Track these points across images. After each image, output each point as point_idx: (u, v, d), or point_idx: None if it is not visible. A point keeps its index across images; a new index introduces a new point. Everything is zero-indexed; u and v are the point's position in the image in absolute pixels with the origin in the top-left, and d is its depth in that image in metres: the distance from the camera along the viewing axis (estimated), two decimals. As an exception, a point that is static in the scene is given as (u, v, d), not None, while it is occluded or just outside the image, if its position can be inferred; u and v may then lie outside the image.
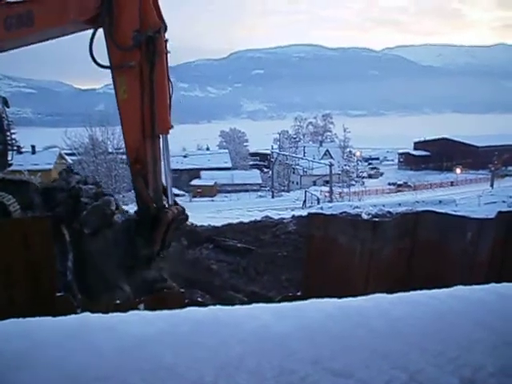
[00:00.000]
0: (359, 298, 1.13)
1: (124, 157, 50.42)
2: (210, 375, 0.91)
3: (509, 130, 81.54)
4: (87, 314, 1.08)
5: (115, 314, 1.07)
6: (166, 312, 1.06)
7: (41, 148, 57.32)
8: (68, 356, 0.95)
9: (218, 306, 1.07)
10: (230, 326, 0.98)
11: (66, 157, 52.52)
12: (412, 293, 1.16)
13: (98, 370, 0.92)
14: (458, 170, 67.17)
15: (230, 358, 0.93)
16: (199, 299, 6.74)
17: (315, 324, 1.01)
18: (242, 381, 0.90)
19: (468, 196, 32.91)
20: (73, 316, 1.10)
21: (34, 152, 50.78)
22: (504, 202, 24.74)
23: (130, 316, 1.06)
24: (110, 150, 49.36)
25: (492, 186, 49.25)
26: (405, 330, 1.03)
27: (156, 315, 1.05)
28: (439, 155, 78.72)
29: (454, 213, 6.33)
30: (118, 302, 6.32)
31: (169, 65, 6.93)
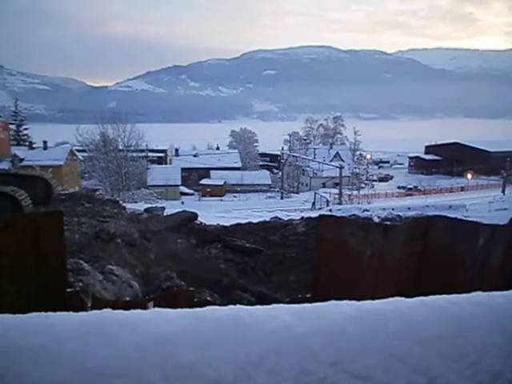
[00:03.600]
0: (378, 300, 1.13)
1: (135, 154, 50.85)
2: (229, 374, 0.92)
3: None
4: (108, 310, 1.09)
5: (136, 311, 1.08)
6: (186, 310, 1.07)
7: (52, 144, 57.84)
8: (88, 352, 0.96)
9: (239, 306, 1.07)
10: (251, 326, 0.99)
11: (77, 153, 52.93)
12: (431, 297, 1.16)
13: (118, 367, 0.93)
14: (469, 175, 66.67)
15: (250, 357, 0.94)
16: (208, 298, 6.77)
17: (334, 326, 1.01)
18: (261, 380, 0.91)
19: (478, 202, 32.63)
20: (93, 312, 1.11)
21: (45, 148, 51.21)
22: (515, 208, 24.48)
23: (150, 314, 1.07)
24: (120, 148, 49.67)
25: (503, 192, 48.75)
26: (424, 333, 1.03)
27: (175, 313, 1.06)
28: (450, 160, 78.22)
29: (464, 218, 6.29)
30: (127, 299, 6.37)
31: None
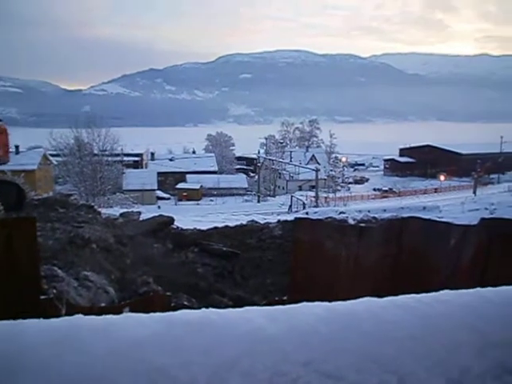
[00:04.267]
0: (349, 301, 1.15)
1: (110, 158, 50.28)
2: (202, 377, 0.92)
3: (491, 139, 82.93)
4: (79, 316, 1.08)
5: (108, 316, 1.07)
6: (158, 314, 1.07)
7: (25, 148, 56.72)
8: (60, 358, 0.95)
9: (211, 309, 1.08)
10: (223, 329, 0.99)
11: (51, 158, 52.02)
12: (401, 296, 1.19)
13: (91, 372, 0.92)
14: (442, 177, 68.01)
15: (223, 360, 0.94)
16: (185, 303, 6.72)
17: (307, 326, 1.03)
18: (235, 383, 0.91)
19: (451, 203, 33.29)
20: (65, 318, 1.10)
21: (17, 152, 50.14)
22: (486, 208, 25.09)
23: (122, 318, 1.06)
24: (95, 152, 49.06)
25: (475, 193, 49.93)
26: (394, 332, 1.05)
27: (149, 317, 1.06)
28: (424, 162, 79.68)
29: (438, 219, 6.41)
30: (102, 305, 6.28)
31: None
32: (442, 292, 1.25)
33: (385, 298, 1.16)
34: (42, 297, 3.75)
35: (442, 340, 1.05)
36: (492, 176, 69.62)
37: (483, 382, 1.02)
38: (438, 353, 1.03)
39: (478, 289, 1.31)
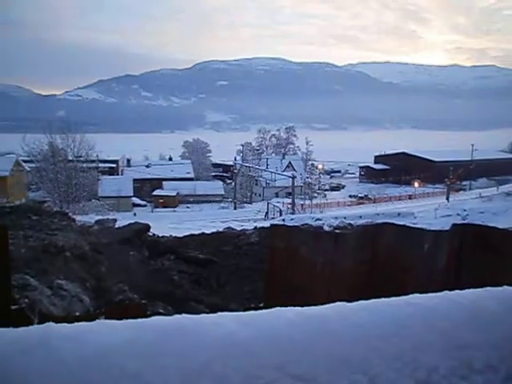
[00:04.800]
0: (321, 306, 1.17)
1: (85, 165, 49.57)
2: (175, 382, 0.92)
3: (462, 146, 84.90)
4: (50, 324, 1.06)
5: (79, 323, 1.06)
6: (130, 321, 1.06)
7: (-5, 155, 55.48)
8: (31, 367, 0.93)
9: (184, 315, 1.08)
10: (196, 334, 1.00)
11: (24, 164, 50.99)
12: (372, 300, 1.21)
13: (63, 381, 0.92)
14: (416, 184, 69.23)
15: (196, 365, 0.94)
16: (161, 311, 6.66)
17: (278, 331, 1.04)
18: (208, 387, 0.92)
19: (425, 209, 33.88)
20: (35, 326, 1.08)
21: (-12, 159, 49.03)
22: (458, 214, 25.66)
23: (94, 325, 1.05)
24: (70, 158, 48.30)
25: (448, 199, 50.98)
26: (364, 335, 1.07)
27: (121, 324, 1.05)
28: (398, 169, 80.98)
29: (412, 225, 6.52)
30: (77, 314, 6.17)
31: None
32: (411, 295, 1.28)
33: (355, 302, 1.19)
34: (13, 307, 3.67)
35: (411, 341, 1.08)
36: (464, 182, 71.22)
37: (450, 382, 1.06)
38: (406, 354, 1.06)
39: (447, 292, 1.35)
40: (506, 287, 1.49)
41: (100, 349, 0.97)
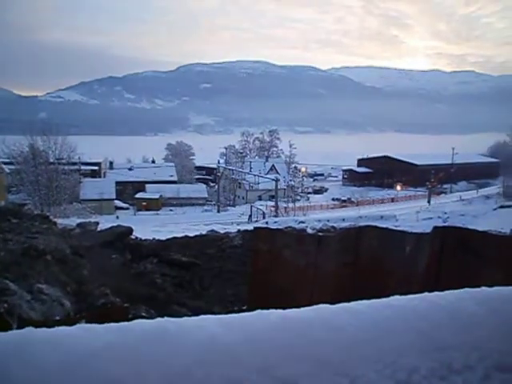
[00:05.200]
0: (303, 308, 1.18)
1: (66, 167, 48.95)
2: (158, 387, 0.92)
3: (443, 150, 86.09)
4: (30, 328, 1.05)
5: (60, 328, 1.04)
6: (112, 325, 1.05)
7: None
8: (9, 373, 0.92)
9: (166, 318, 1.07)
10: (178, 338, 0.99)
11: (3, 166, 50.12)
12: (352, 303, 1.22)
13: None
14: (398, 187, 69.99)
15: (179, 369, 0.94)
16: (143, 314, 6.60)
17: (260, 334, 1.04)
18: (190, 391, 0.92)
19: (407, 212, 34.30)
20: (14, 331, 1.07)
21: (-34, 161, 48.12)
22: (439, 217, 26.11)
23: (75, 330, 1.04)
24: (51, 160, 47.65)
25: (429, 202, 51.69)
26: (346, 337, 1.08)
27: (103, 328, 1.04)
28: (381, 172, 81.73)
29: (394, 228, 6.58)
30: (57, 318, 6.09)
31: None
32: (391, 298, 1.30)
33: (337, 305, 1.20)
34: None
35: (391, 343, 1.09)
36: (445, 186, 72.23)
37: (430, 383, 1.07)
38: (387, 355, 1.07)
39: (426, 293, 1.37)
40: (484, 288, 1.51)
41: (82, 353, 0.96)
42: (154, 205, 58.31)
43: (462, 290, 1.44)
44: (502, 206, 37.10)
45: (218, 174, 67.18)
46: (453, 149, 76.55)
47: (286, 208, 52.49)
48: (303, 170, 75.73)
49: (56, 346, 0.99)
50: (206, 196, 65.91)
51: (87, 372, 0.93)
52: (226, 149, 77.93)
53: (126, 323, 1.05)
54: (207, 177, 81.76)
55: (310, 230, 10.52)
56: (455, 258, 4.96)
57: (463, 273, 4.68)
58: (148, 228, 18.71)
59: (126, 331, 1.01)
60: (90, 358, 0.96)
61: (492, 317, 1.33)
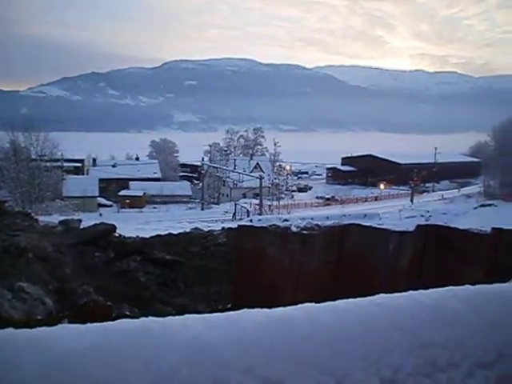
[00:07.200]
0: (288, 307, 1.17)
1: (49, 164, 48.30)
2: (142, 388, 0.90)
3: (426, 149, 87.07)
4: (10, 329, 1.02)
5: (42, 328, 1.02)
6: (95, 325, 1.04)
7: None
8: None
9: (150, 318, 1.06)
10: (163, 337, 0.98)
11: (-17, 162, 49.24)
12: (338, 301, 1.22)
13: None
14: (382, 186, 70.62)
15: (164, 369, 0.93)
16: (127, 313, 6.56)
17: (246, 333, 1.04)
18: (175, 391, 0.91)
19: (391, 210, 34.64)
20: (-7, 332, 1.04)
21: None
22: (422, 215, 26.44)
23: (58, 329, 1.02)
24: (33, 157, 46.99)
25: (412, 200, 52.30)
26: (331, 336, 1.08)
27: (86, 328, 1.02)
28: (365, 171, 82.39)
29: (377, 226, 6.63)
30: (39, 317, 6.01)
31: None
32: (377, 296, 1.31)
33: (322, 303, 1.20)
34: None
35: (376, 341, 1.10)
36: (427, 185, 73.07)
37: (415, 380, 1.08)
38: (372, 353, 1.07)
39: (411, 292, 1.38)
40: (467, 286, 1.53)
41: (64, 354, 0.94)
42: (137, 202, 57.94)
43: (446, 288, 1.45)
44: (482, 205, 37.79)
45: (202, 171, 67.02)
46: (435, 148, 77.52)
47: (270, 206, 52.59)
48: (288, 168, 75.90)
49: (37, 346, 0.96)
50: (190, 194, 65.69)
51: (70, 373, 0.91)
52: (210, 146, 77.77)
53: (109, 323, 1.03)
54: (191, 174, 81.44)
55: (294, 228, 10.56)
56: (437, 255, 5.03)
57: (445, 270, 4.74)
58: (132, 226, 18.59)
59: (109, 331, 1.00)
60: (73, 359, 0.94)
61: (474, 315, 1.35)
